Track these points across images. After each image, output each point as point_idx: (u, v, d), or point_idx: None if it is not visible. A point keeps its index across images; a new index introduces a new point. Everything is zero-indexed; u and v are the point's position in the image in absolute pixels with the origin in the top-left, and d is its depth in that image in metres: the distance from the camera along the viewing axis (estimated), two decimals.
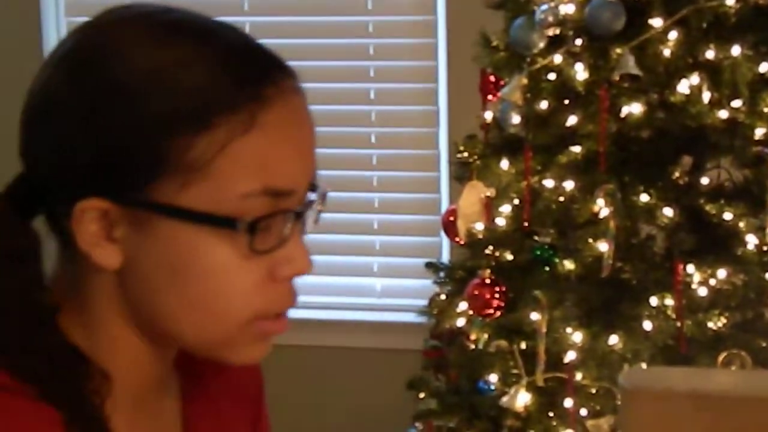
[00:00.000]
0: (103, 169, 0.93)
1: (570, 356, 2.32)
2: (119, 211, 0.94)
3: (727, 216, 2.27)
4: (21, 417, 0.93)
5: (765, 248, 2.26)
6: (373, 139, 3.37)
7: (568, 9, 2.33)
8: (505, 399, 2.37)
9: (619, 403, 1.59)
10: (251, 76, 0.94)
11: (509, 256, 2.43)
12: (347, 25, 3.34)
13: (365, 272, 3.38)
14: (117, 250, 0.95)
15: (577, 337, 2.31)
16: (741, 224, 2.26)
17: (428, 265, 2.70)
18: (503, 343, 2.42)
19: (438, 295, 2.60)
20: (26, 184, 0.99)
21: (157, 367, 1.05)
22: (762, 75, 2.26)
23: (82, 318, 1.00)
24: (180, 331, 0.98)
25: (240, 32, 0.99)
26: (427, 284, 2.74)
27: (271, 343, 1.03)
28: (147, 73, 0.93)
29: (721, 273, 2.26)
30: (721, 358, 2.21)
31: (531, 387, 2.36)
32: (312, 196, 1.02)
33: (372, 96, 3.36)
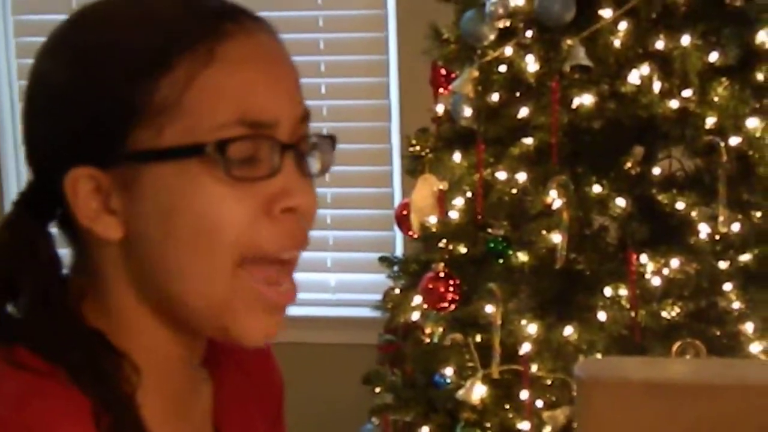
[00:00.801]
0: (82, 136, 0.95)
1: (525, 348, 2.32)
2: (108, 179, 0.95)
3: (680, 205, 2.27)
4: (53, 399, 0.93)
5: (717, 237, 2.26)
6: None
7: (518, 0, 2.33)
8: (461, 392, 2.37)
9: (575, 393, 1.59)
10: (206, 15, 0.96)
11: (463, 249, 2.42)
12: (297, 20, 3.32)
13: (319, 267, 3.36)
14: (116, 221, 0.96)
15: (532, 329, 2.31)
16: (693, 213, 2.27)
17: (382, 259, 2.69)
18: (458, 336, 2.42)
19: (392, 289, 2.61)
20: (35, 188, 1.01)
21: (184, 353, 1.04)
22: (711, 64, 2.26)
23: (101, 303, 1.00)
24: (183, 293, 0.97)
25: None
26: (381, 279, 2.74)
27: (279, 322, 1.00)
28: (101, 35, 0.97)
29: (674, 262, 2.26)
30: (675, 347, 2.21)
31: (487, 380, 2.36)
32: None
33: (323, 91, 3.34)
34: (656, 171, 2.29)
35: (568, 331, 2.28)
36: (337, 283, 3.37)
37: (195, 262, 0.96)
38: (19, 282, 0.99)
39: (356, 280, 3.25)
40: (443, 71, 2.48)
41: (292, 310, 3.12)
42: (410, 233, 2.53)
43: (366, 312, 2.74)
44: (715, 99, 2.26)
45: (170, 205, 0.95)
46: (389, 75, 3.27)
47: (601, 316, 2.27)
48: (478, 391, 2.36)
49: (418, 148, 2.52)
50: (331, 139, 1.04)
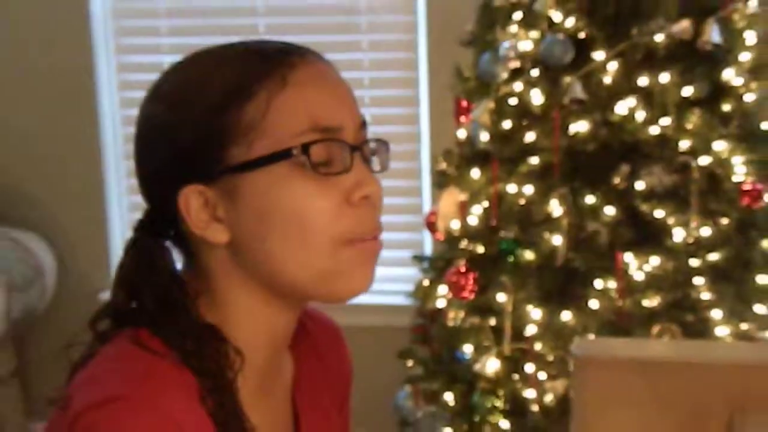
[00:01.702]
0: (187, 161, 0.97)
1: (530, 330, 2.30)
2: (213, 192, 0.97)
3: (659, 213, 2.25)
4: (168, 378, 0.93)
5: (690, 240, 2.24)
6: None
7: (525, 46, 2.32)
8: (477, 366, 2.36)
9: (571, 368, 1.57)
10: (275, 53, 0.99)
11: (480, 249, 2.41)
12: (345, 62, 3.31)
13: None
14: (223, 227, 0.97)
15: (536, 314, 2.29)
16: (670, 220, 2.24)
17: (414, 257, 2.68)
18: (476, 320, 2.40)
19: (422, 281, 2.58)
20: (151, 214, 1.03)
21: (274, 332, 1.04)
22: (686, 98, 2.24)
23: (213, 299, 1.01)
24: (290, 273, 0.97)
25: (268, 40, 1.04)
26: (413, 272, 2.72)
27: (373, 269, 1.01)
28: (193, 77, 1.00)
29: (654, 260, 2.24)
30: (655, 330, 2.19)
31: (499, 355, 2.34)
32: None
33: (369, 119, 3.31)
34: (639, 185, 2.25)
35: (567, 316, 2.26)
36: (378, 276, 3.32)
37: (297, 248, 0.96)
38: (142, 289, 1.00)
39: (393, 274, 3.23)
40: (464, 103, 2.46)
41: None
42: (437, 236, 2.52)
43: (401, 300, 2.71)
44: (689, 126, 2.24)
45: (268, 204, 0.95)
46: (420, 106, 3.25)
47: (594, 304, 2.24)
48: (491, 365, 2.34)
49: (444, 166, 2.51)
50: (386, 144, 1.05)
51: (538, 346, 2.31)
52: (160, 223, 1.01)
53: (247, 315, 1.01)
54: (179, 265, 1.04)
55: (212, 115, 0.96)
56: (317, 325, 1.18)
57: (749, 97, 2.28)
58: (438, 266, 2.52)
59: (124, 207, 3.44)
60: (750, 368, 1.40)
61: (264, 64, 0.97)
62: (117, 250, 3.40)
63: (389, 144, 1.06)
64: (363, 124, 1.03)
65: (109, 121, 3.44)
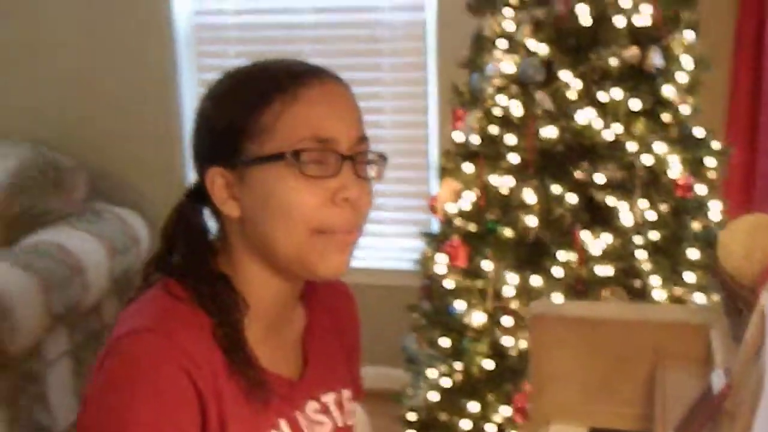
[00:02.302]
0: (218, 147, 0.99)
1: (508, 291, 2.28)
2: (231, 175, 0.97)
3: (610, 201, 2.22)
4: (182, 316, 0.95)
5: (635, 222, 2.21)
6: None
7: (507, 67, 2.30)
8: (467, 319, 2.35)
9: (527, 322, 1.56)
10: (298, 73, 0.98)
11: (471, 227, 2.39)
12: (371, 79, 3.29)
13: (383, 235, 3.34)
14: (237, 205, 0.98)
15: (513, 279, 2.27)
16: (619, 206, 2.21)
17: (421, 233, 2.67)
18: (467, 282, 2.39)
19: (426, 252, 2.57)
20: (196, 184, 1.04)
21: (280, 294, 1.04)
22: (633, 110, 2.21)
23: (229, 258, 1.02)
24: (278, 249, 0.97)
25: (295, 60, 1.04)
26: (420, 245, 2.70)
27: (346, 257, 1.00)
28: (230, 85, 1.01)
29: (606, 237, 2.21)
30: (605, 293, 2.17)
31: (484, 311, 2.33)
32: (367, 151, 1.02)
33: (389, 124, 3.31)
34: (597, 178, 2.23)
35: (536, 281, 2.23)
36: (395, 247, 3.35)
37: (283, 230, 0.96)
38: (176, 242, 1.02)
39: (405, 246, 3.23)
40: (460, 112, 2.45)
41: (368, 263, 3.12)
42: (438, 216, 2.51)
43: (411, 266, 2.70)
44: (635, 132, 2.20)
45: (267, 193, 0.96)
46: (428, 114, 3.23)
47: (558, 272, 2.22)
48: (478, 318, 2.34)
49: (444, 161, 2.49)
50: (383, 157, 1.03)
51: (514, 304, 2.29)
52: (202, 193, 1.01)
53: (253, 275, 1.01)
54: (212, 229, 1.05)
55: (238, 116, 0.96)
56: (328, 286, 1.17)
57: (684, 109, 2.24)
58: (438, 240, 2.50)
59: None
60: (667, 326, 1.38)
61: (284, 81, 0.96)
62: None
63: (386, 156, 1.04)
64: (362, 139, 1.00)
65: (190, 115, 3.43)
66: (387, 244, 3.35)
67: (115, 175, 3.46)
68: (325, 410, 1.08)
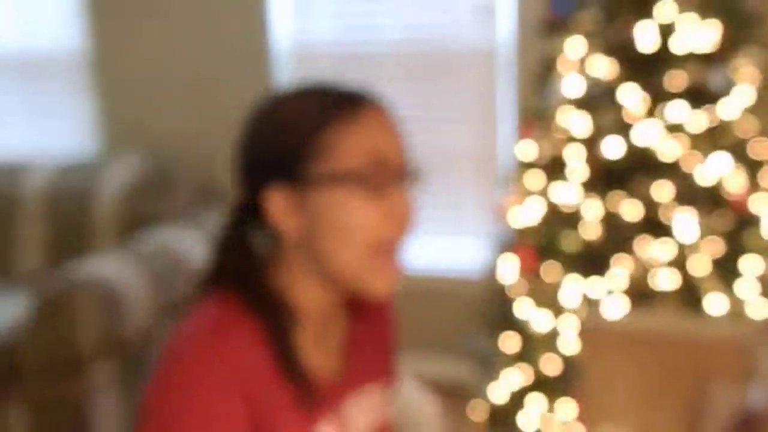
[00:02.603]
0: (279, 166, 0.96)
1: (569, 299, 2.24)
2: (292, 192, 0.95)
3: (670, 215, 2.15)
4: (234, 325, 0.95)
5: (693, 236, 2.12)
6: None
7: (574, 87, 2.24)
8: (532, 322, 2.31)
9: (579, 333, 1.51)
10: (355, 98, 0.97)
11: (536, 236, 2.34)
12: (449, 94, 3.26)
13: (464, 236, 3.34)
14: (294, 222, 0.96)
15: (574, 287, 2.22)
16: (678, 220, 2.12)
17: (490, 240, 2.63)
18: (532, 288, 2.34)
19: (496, 255, 2.53)
20: (242, 203, 1.01)
21: (329, 305, 1.03)
22: (694, 130, 2.11)
23: (281, 271, 1.01)
24: (339, 262, 0.96)
25: (347, 84, 1.01)
26: (490, 250, 2.67)
27: (396, 279, 0.98)
28: (297, 109, 0.97)
29: (665, 250, 2.13)
30: (661, 304, 2.08)
31: (547, 316, 2.28)
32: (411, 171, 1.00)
33: (462, 139, 3.26)
34: (657, 193, 2.14)
35: (597, 290, 2.17)
36: (468, 248, 3.30)
37: (346, 248, 0.95)
38: (230, 258, 1.01)
39: (478, 249, 3.19)
40: (528, 128, 2.40)
41: (444, 266, 3.04)
42: (505, 224, 2.46)
43: (481, 269, 2.66)
44: (697, 150, 2.10)
45: (330, 214, 0.94)
46: (498, 131, 3.17)
47: (617, 282, 2.15)
48: (541, 322, 2.30)
49: (511, 173, 2.45)
50: (423, 171, 1.02)
51: (575, 311, 2.24)
52: (250, 210, 1.00)
53: (305, 288, 1.00)
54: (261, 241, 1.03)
55: (300, 136, 0.94)
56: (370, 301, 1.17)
57: (745, 128, 2.13)
58: (505, 247, 2.46)
59: None
60: (714, 343, 1.32)
61: (344, 103, 0.95)
62: None
63: (425, 171, 1.03)
64: (407, 158, 0.99)
65: None
66: (461, 249, 3.33)
67: (220, 183, 3.54)
68: (365, 404, 1.09)
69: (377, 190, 0.94)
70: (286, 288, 1.00)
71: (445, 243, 3.32)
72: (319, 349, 1.04)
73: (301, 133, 0.94)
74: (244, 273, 0.99)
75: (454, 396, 2.59)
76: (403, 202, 0.96)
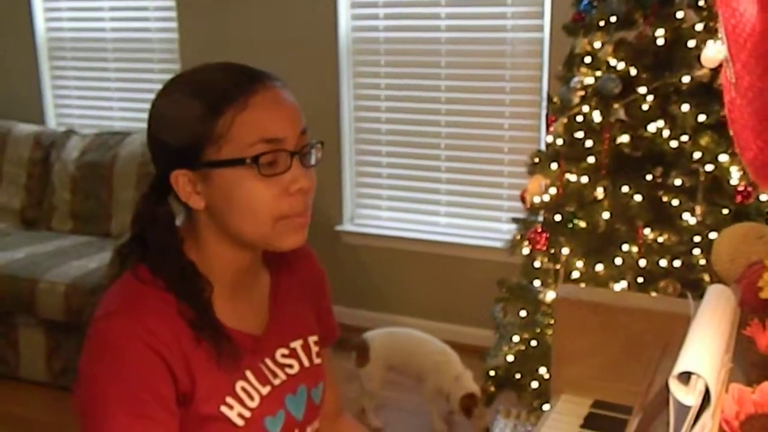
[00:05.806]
0: (180, 153, 0.93)
1: (575, 275, 2.19)
2: (194, 175, 0.93)
3: (674, 202, 2.07)
4: (148, 298, 0.93)
5: (695, 222, 2.05)
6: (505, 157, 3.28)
7: (589, 80, 2.18)
8: (541, 295, 2.27)
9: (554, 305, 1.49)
10: (242, 80, 0.92)
11: (551, 217, 2.30)
12: (495, 87, 3.22)
13: (492, 220, 3.29)
14: (201, 198, 0.95)
15: (580, 264, 2.18)
16: (681, 207, 2.06)
17: (513, 219, 2.60)
18: (544, 264, 2.31)
19: (515, 236, 2.51)
20: (157, 179, 0.98)
21: (244, 263, 1.00)
22: (700, 122, 2.04)
23: (196, 241, 0.99)
24: (244, 232, 0.94)
25: (237, 66, 0.96)
26: (512, 228, 2.64)
27: (303, 234, 0.96)
28: (189, 95, 0.92)
29: (665, 235, 2.07)
30: (661, 284, 2.03)
31: (555, 290, 2.25)
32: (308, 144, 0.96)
33: (506, 125, 3.23)
34: (663, 181, 2.08)
35: (599, 267, 2.13)
36: (490, 228, 3.28)
37: (249, 221, 0.93)
38: (147, 233, 0.97)
39: (501, 228, 3.16)
40: (552, 119, 2.35)
41: (471, 240, 3.03)
42: (526, 206, 2.43)
43: (503, 244, 2.63)
44: (701, 143, 2.04)
45: (230, 192, 0.92)
46: (541, 119, 3.11)
47: (618, 261, 2.11)
48: (550, 296, 2.26)
49: (533, 160, 2.42)
50: (321, 143, 0.98)
51: (582, 285, 2.19)
52: (163, 187, 0.97)
53: (219, 253, 0.98)
54: (178, 217, 0.99)
55: (195, 126, 0.91)
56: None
57: None
58: (525, 226, 2.44)
59: (352, 172, 3.53)
60: (675, 317, 1.28)
61: (233, 92, 0.91)
62: (348, 197, 3.50)
63: (323, 143, 0.98)
64: (303, 132, 0.94)
65: (347, 123, 3.51)
66: (495, 225, 3.30)
67: None
68: (292, 354, 1.06)
69: (270, 170, 0.90)
70: (200, 255, 0.97)
71: (482, 223, 3.30)
72: (238, 305, 1.00)
73: (194, 124, 0.90)
74: (158, 245, 0.95)
75: (477, 355, 2.60)
76: (298, 177, 0.92)
